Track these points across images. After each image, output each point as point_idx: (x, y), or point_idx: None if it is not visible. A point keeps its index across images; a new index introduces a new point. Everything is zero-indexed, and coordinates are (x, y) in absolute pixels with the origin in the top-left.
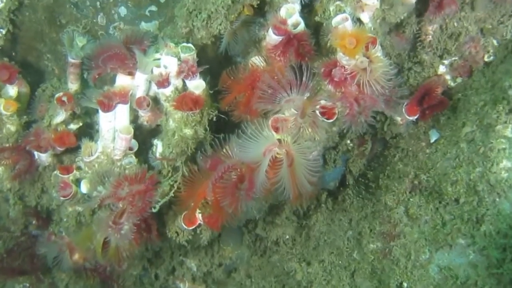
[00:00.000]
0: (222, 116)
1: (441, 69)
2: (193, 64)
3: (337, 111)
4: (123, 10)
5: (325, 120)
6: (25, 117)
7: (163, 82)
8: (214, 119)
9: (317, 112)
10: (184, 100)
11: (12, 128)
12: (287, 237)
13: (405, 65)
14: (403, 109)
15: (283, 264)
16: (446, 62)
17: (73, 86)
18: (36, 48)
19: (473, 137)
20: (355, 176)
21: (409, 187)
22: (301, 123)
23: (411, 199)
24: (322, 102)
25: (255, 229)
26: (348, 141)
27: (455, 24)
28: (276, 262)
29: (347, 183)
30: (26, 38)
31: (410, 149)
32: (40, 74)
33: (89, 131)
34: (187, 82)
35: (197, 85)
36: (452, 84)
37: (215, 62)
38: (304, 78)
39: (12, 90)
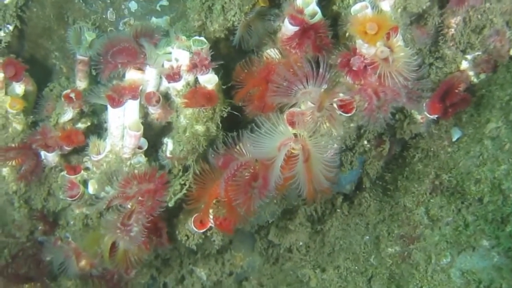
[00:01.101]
0: (235, 112)
1: (464, 64)
2: (206, 58)
3: (355, 105)
4: (133, 5)
5: (343, 114)
6: (31, 116)
7: (174, 75)
8: (226, 115)
9: (335, 105)
10: (195, 96)
11: (19, 127)
12: (301, 243)
13: (426, 60)
14: (424, 107)
15: (297, 271)
16: (469, 57)
17: (81, 84)
18: (44, 45)
19: (498, 134)
20: (372, 179)
21: (429, 187)
22: (318, 117)
23: (431, 200)
24: (341, 94)
25: (268, 235)
26: (365, 142)
27: (479, 16)
28: (289, 269)
29: (363, 186)
30: (33, 35)
31: (431, 149)
32: (48, 73)
33: (97, 131)
34: (199, 76)
35: (210, 80)
36: (476, 80)
37: (228, 58)
38: (321, 70)
39: (18, 88)
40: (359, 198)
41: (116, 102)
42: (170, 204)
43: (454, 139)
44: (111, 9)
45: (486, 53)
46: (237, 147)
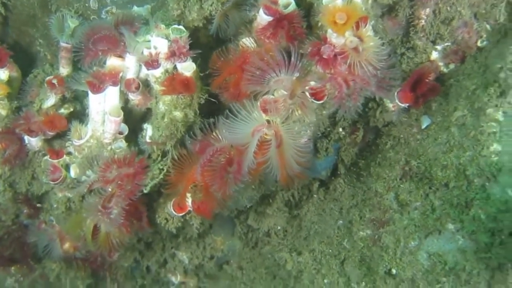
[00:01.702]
0: (212, 99)
1: (434, 54)
2: (184, 46)
3: (326, 93)
4: None
5: (315, 101)
6: (15, 102)
7: (152, 62)
8: (204, 102)
9: (307, 93)
10: (173, 83)
11: (3, 113)
12: (279, 228)
13: (398, 51)
14: (395, 96)
15: (274, 255)
16: (439, 47)
17: (64, 70)
18: (28, 32)
19: (464, 122)
20: (347, 165)
21: (400, 173)
22: (290, 104)
23: (401, 186)
24: (312, 83)
25: (247, 220)
26: (340, 129)
27: (448, 8)
28: (267, 253)
29: (338, 172)
30: (18, 22)
31: (402, 136)
32: (32, 59)
33: (80, 117)
34: (177, 64)
35: (187, 67)
36: (445, 70)
37: (207, 46)
38: (292, 59)
39: (3, 74)
40: (334, 184)
41: (97, 88)
42: (146, 191)
43: (423, 127)
44: None
45: (455, 44)
46: (214, 133)
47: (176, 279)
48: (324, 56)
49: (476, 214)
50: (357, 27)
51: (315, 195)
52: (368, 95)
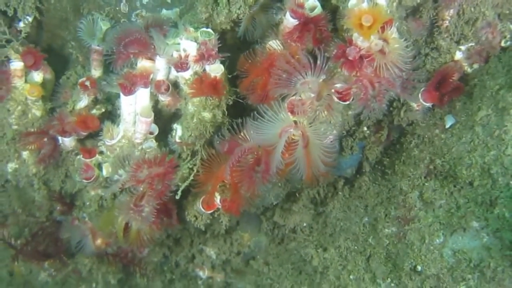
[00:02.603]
0: (240, 100)
1: (458, 55)
2: (213, 48)
3: (352, 94)
4: None
5: (341, 102)
6: (49, 103)
7: (182, 65)
8: (232, 103)
9: (333, 95)
10: (202, 85)
11: (37, 114)
12: (305, 224)
13: (422, 51)
14: (420, 95)
15: (300, 251)
16: (463, 47)
17: (96, 72)
18: (61, 35)
19: (488, 121)
20: (371, 163)
21: (424, 172)
22: (317, 105)
23: (426, 184)
24: (338, 85)
25: (273, 217)
26: (365, 128)
27: (472, 9)
28: (293, 249)
29: (363, 170)
30: (51, 25)
31: (426, 135)
32: (64, 62)
33: (111, 117)
34: (206, 66)
35: (216, 69)
36: (469, 70)
37: (234, 49)
38: (318, 62)
39: (37, 76)
40: (359, 181)
41: (128, 90)
42: (177, 197)
43: (447, 126)
44: (124, 1)
45: (478, 44)
46: (242, 133)
47: (203, 273)
48: (350, 58)
49: (500, 212)
50: (383, 29)
51: (340, 193)
52: (393, 97)
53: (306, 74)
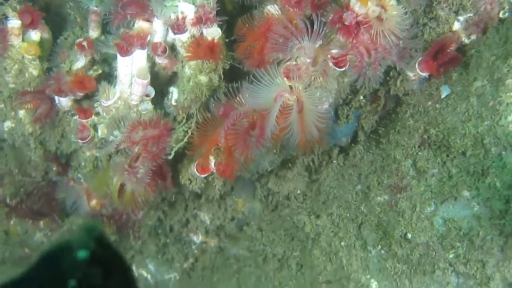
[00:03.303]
0: (237, 65)
1: (456, 25)
2: (211, 11)
3: (348, 60)
4: None
5: (336, 68)
6: (46, 63)
7: (179, 27)
8: (228, 67)
9: (329, 61)
10: (199, 49)
11: (34, 73)
12: (298, 192)
13: (420, 21)
14: (416, 65)
15: (293, 217)
16: (461, 18)
17: (94, 33)
18: None
19: (483, 91)
20: (366, 132)
21: (418, 141)
22: (312, 71)
23: (419, 153)
24: (334, 51)
25: (267, 183)
26: (361, 97)
27: None
28: (286, 216)
29: (358, 139)
30: None
31: (421, 105)
32: (63, 22)
33: (108, 78)
34: (203, 30)
35: (213, 33)
36: (467, 41)
37: (232, 14)
38: (315, 27)
39: (34, 35)
40: (354, 150)
41: (125, 50)
42: (170, 157)
43: (443, 96)
44: None
45: (477, 15)
46: (237, 97)
47: (197, 238)
48: (346, 23)
49: (491, 182)
50: None
51: (334, 161)
52: (389, 65)
53: (302, 39)
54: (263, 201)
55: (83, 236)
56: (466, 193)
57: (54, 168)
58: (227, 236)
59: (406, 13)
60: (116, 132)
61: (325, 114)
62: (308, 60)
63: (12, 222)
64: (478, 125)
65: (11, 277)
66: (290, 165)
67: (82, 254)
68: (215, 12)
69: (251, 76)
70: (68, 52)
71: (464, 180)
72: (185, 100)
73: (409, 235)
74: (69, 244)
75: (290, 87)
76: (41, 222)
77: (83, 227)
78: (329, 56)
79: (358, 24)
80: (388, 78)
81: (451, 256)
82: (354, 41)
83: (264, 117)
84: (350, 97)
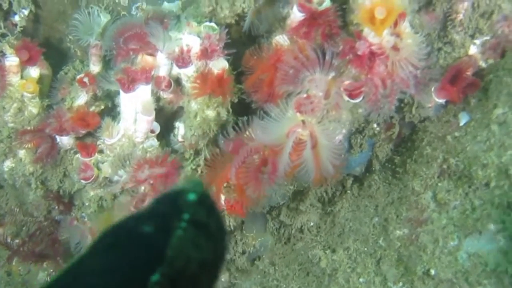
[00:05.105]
0: (245, 98)
1: (473, 49)
2: (217, 44)
3: (363, 91)
4: None
5: (350, 100)
6: (47, 100)
7: (183, 60)
8: (237, 101)
9: (342, 92)
10: (205, 84)
11: (34, 111)
12: (312, 224)
13: (435, 45)
14: (432, 91)
15: (307, 251)
16: (477, 42)
17: (95, 68)
18: (58, 29)
19: (504, 119)
20: (381, 161)
21: (437, 171)
22: (325, 104)
23: (439, 184)
24: (347, 82)
25: (279, 216)
26: (375, 125)
27: (487, 2)
28: (300, 249)
29: (373, 169)
30: (48, 19)
31: (439, 133)
32: (63, 56)
33: (112, 114)
34: (209, 62)
35: (219, 64)
36: (484, 65)
37: (239, 42)
38: (327, 57)
39: (34, 72)
40: (368, 180)
41: (127, 87)
42: None
43: (461, 124)
44: None
45: (494, 38)
46: (247, 132)
47: None
48: (359, 53)
49: None
50: (395, 24)
51: (349, 191)
52: (406, 98)
53: (314, 70)
54: (275, 234)
55: (191, 184)
56: (491, 227)
57: (57, 207)
58: (239, 271)
59: (423, 41)
60: (121, 172)
61: (340, 148)
62: (320, 94)
63: (14, 262)
64: (501, 154)
65: (141, 209)
66: (302, 196)
67: (191, 196)
68: (222, 44)
69: (261, 110)
70: (69, 88)
71: (489, 212)
72: (192, 136)
73: (432, 271)
74: (181, 188)
75: (303, 121)
76: (44, 263)
77: (190, 180)
78: (342, 88)
79: (372, 54)
80: (402, 105)
81: None
82: (368, 74)
83: (276, 153)
84: (363, 125)
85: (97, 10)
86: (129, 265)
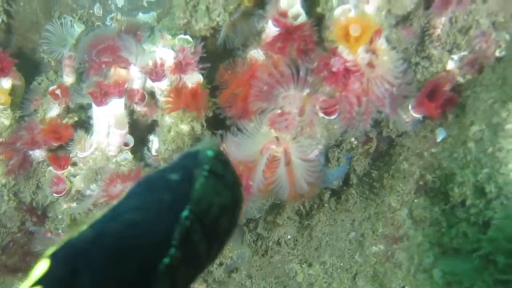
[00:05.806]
0: (220, 112)
1: (450, 64)
2: (192, 57)
3: (338, 109)
4: (120, 1)
5: (326, 117)
6: (19, 111)
7: (157, 74)
8: (211, 115)
9: (317, 109)
10: (178, 99)
11: (6, 122)
12: (289, 237)
13: (412, 60)
14: (410, 107)
15: (284, 265)
16: (455, 57)
17: (69, 79)
18: (31, 39)
19: (481, 136)
20: (359, 175)
21: (414, 187)
22: (299, 121)
23: (415, 200)
24: (322, 99)
25: (256, 228)
26: (353, 139)
27: (465, 17)
28: (277, 262)
29: (350, 182)
30: (21, 29)
31: (416, 148)
32: (36, 66)
33: (85, 126)
34: (183, 76)
35: (193, 78)
36: (462, 80)
37: (215, 55)
38: (301, 74)
39: (6, 83)
40: (346, 194)
41: (100, 100)
42: None
43: (438, 140)
44: (98, 4)
45: (472, 54)
46: (221, 147)
47: None
48: (334, 70)
49: (493, 234)
50: (371, 41)
51: (326, 205)
52: (380, 117)
53: (288, 87)
54: (252, 246)
55: (208, 144)
56: (466, 246)
57: (30, 219)
58: (216, 282)
59: (399, 58)
60: (93, 186)
61: (315, 166)
62: (295, 110)
63: None
64: (477, 172)
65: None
66: (279, 209)
67: (209, 152)
68: (197, 58)
69: (234, 127)
70: (42, 100)
71: (464, 231)
72: (166, 151)
73: None
74: (200, 147)
75: (277, 137)
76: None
77: (207, 141)
78: (316, 106)
79: (347, 71)
80: (379, 120)
81: None
82: (343, 91)
83: (249, 169)
84: (340, 138)
85: (71, 21)
86: (161, 203)
